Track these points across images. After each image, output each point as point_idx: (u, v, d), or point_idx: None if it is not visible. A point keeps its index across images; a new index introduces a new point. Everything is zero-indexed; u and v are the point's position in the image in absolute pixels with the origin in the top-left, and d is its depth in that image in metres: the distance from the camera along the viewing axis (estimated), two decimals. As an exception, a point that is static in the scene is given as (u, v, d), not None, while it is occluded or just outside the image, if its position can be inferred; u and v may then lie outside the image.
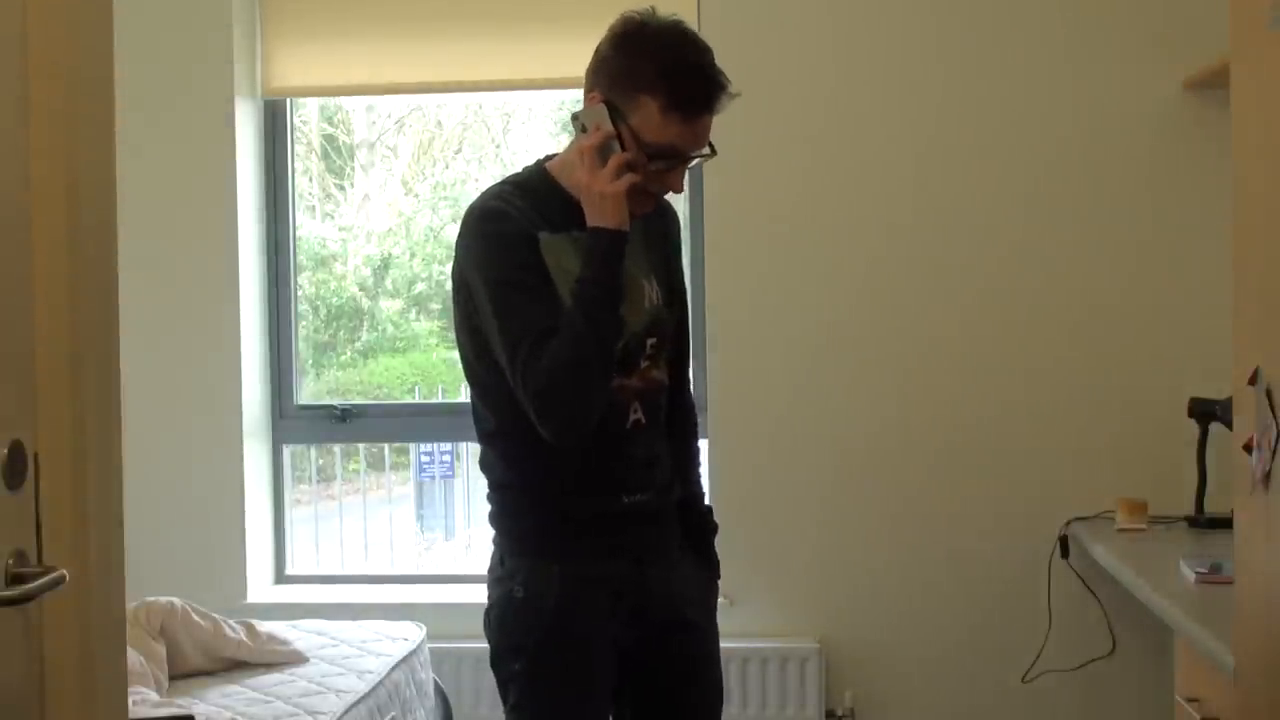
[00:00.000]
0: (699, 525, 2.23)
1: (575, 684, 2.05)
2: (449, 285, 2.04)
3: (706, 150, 2.01)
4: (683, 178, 2.02)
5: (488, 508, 2.15)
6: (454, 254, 2.06)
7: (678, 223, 2.27)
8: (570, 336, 1.91)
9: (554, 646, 2.03)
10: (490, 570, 2.12)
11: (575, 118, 2.02)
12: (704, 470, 3.60)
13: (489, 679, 3.46)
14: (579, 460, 2.02)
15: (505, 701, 2.10)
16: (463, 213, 2.07)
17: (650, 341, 2.08)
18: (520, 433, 2.01)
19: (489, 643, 2.10)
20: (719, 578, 2.28)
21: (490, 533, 2.16)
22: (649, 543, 2.11)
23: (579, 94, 2.06)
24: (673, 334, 2.17)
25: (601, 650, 2.06)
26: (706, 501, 2.30)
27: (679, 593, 2.15)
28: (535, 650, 2.04)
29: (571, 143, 2.09)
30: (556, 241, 1.98)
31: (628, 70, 1.94)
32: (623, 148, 1.94)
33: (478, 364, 2.05)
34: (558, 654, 2.03)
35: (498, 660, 2.09)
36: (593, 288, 1.93)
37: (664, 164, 1.97)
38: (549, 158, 2.13)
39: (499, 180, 2.13)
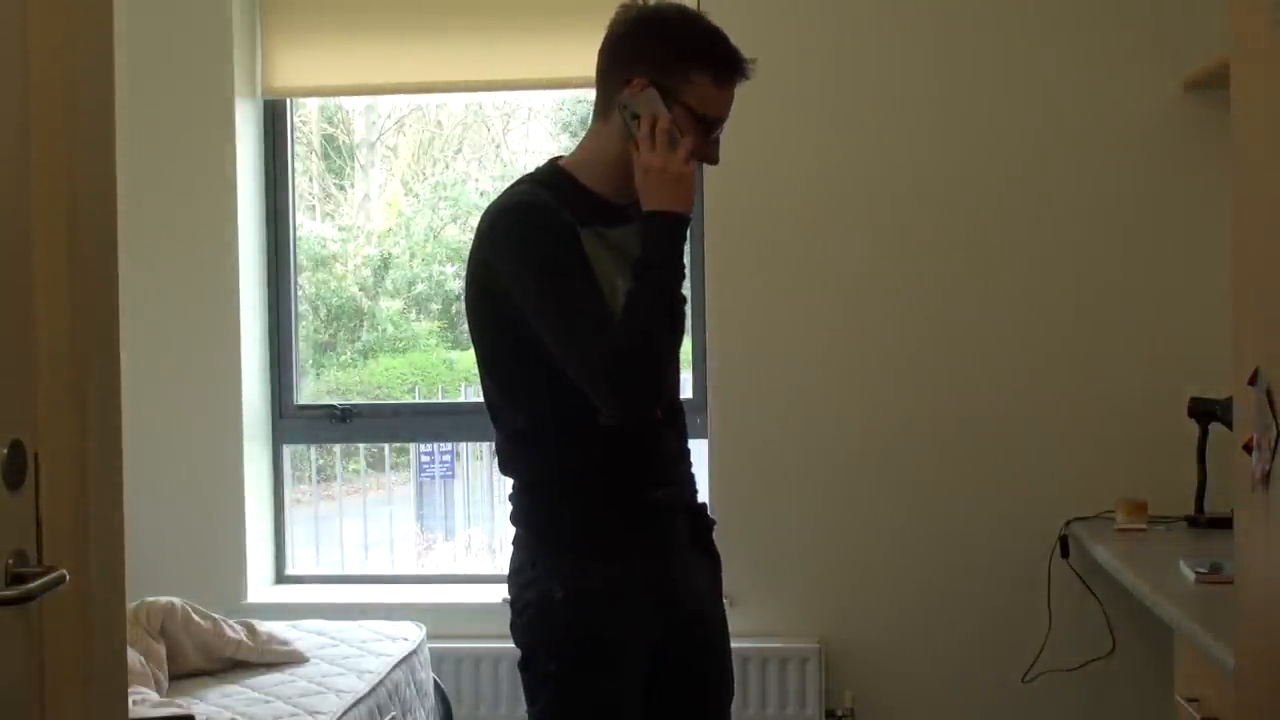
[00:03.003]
0: (697, 522, 2.24)
1: (614, 682, 2.04)
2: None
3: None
4: (718, 150, 2.07)
5: (509, 508, 2.14)
6: (477, 255, 2.03)
7: None
8: (644, 314, 1.92)
9: (594, 645, 2.02)
10: (518, 572, 2.08)
11: (624, 107, 2.00)
12: (703, 470, 3.63)
13: (489, 679, 3.53)
14: (603, 458, 2.03)
15: (533, 703, 2.08)
16: (472, 215, 2.07)
17: None
18: (557, 429, 2.02)
19: (520, 645, 2.08)
20: (721, 570, 2.29)
21: (499, 535, 2.15)
22: (673, 536, 2.13)
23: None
24: None
25: (638, 646, 2.05)
26: (701, 499, 2.30)
27: (696, 585, 2.17)
28: (575, 650, 2.02)
29: (587, 136, 2.10)
30: (585, 235, 1.99)
31: (672, 50, 1.98)
32: (680, 129, 1.97)
33: (509, 362, 2.04)
34: (598, 653, 2.02)
35: (530, 662, 2.07)
36: (661, 270, 1.95)
37: (709, 133, 2.02)
38: (558, 159, 2.13)
39: (515, 181, 2.13)
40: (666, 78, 1.97)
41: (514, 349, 2.01)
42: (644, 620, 2.05)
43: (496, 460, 2.19)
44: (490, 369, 2.08)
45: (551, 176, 2.08)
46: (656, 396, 1.98)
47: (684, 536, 2.17)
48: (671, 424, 2.12)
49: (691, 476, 2.24)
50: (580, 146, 2.12)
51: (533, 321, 1.96)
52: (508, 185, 2.13)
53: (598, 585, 2.02)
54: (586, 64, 2.10)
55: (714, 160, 2.06)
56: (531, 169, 2.16)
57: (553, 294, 1.94)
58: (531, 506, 2.09)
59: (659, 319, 1.93)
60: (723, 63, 1.99)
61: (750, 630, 3.49)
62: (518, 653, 2.09)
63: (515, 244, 1.98)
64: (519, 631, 2.08)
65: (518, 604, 2.08)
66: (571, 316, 1.93)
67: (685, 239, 2.00)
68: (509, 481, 2.15)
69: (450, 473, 4.38)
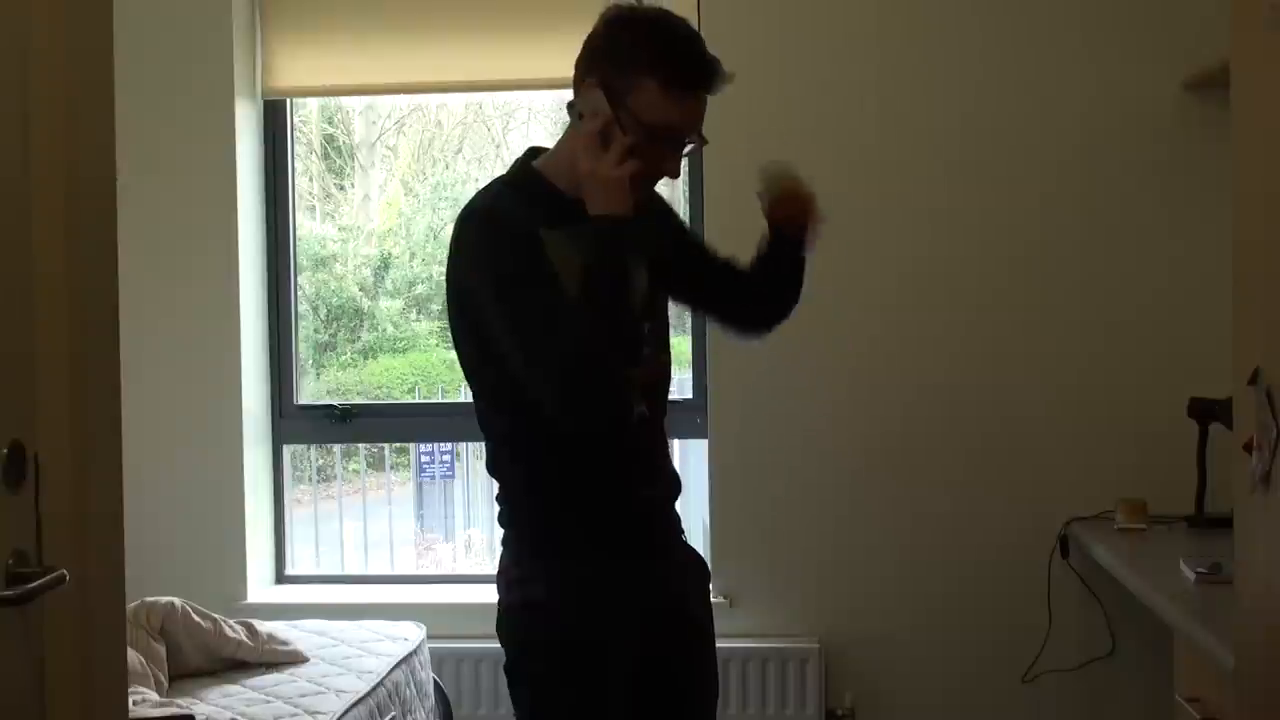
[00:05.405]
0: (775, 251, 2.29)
1: (595, 683, 2.03)
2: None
3: (698, 137, 2.01)
4: (679, 164, 2.02)
5: (496, 509, 2.14)
6: (449, 260, 2.03)
7: (661, 198, 2.26)
8: (583, 329, 1.88)
9: (575, 648, 2.02)
10: (503, 573, 2.09)
11: (571, 106, 2.00)
12: (703, 470, 3.63)
13: (489, 679, 3.53)
14: (590, 458, 2.02)
15: (518, 704, 2.08)
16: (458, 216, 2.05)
17: (646, 326, 2.07)
18: (531, 434, 2.01)
19: (504, 646, 2.08)
20: (708, 571, 2.27)
21: (499, 535, 2.14)
22: (659, 537, 2.13)
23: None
24: (701, 263, 2.30)
25: (618, 648, 2.05)
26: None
27: (683, 586, 2.17)
28: (557, 652, 2.02)
29: (562, 136, 2.08)
30: (556, 236, 1.97)
31: (625, 53, 1.94)
32: (623, 131, 1.93)
33: (484, 368, 2.03)
34: (577, 655, 2.02)
35: (515, 664, 2.07)
36: (600, 277, 1.90)
37: (665, 145, 1.96)
38: (534, 153, 2.11)
39: (489, 181, 2.13)
40: (614, 80, 1.93)
41: (489, 354, 1.99)
42: (624, 622, 2.04)
43: (485, 462, 2.19)
44: (470, 374, 2.08)
45: (521, 177, 2.07)
46: (606, 406, 1.93)
47: (673, 534, 2.17)
48: (656, 421, 2.11)
49: (675, 476, 2.23)
50: (556, 146, 2.10)
51: (494, 331, 1.95)
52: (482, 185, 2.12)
53: (576, 588, 2.02)
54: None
55: (673, 175, 2.01)
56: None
57: (504, 303, 1.92)
58: (514, 509, 2.09)
59: (598, 327, 1.88)
60: (673, 71, 1.92)
61: (750, 630, 3.49)
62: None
63: (473, 253, 1.97)
64: (503, 633, 2.09)
65: (501, 605, 2.09)
66: (522, 329, 1.90)
67: (625, 242, 1.92)
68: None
69: (450, 473, 4.39)
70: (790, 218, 2.26)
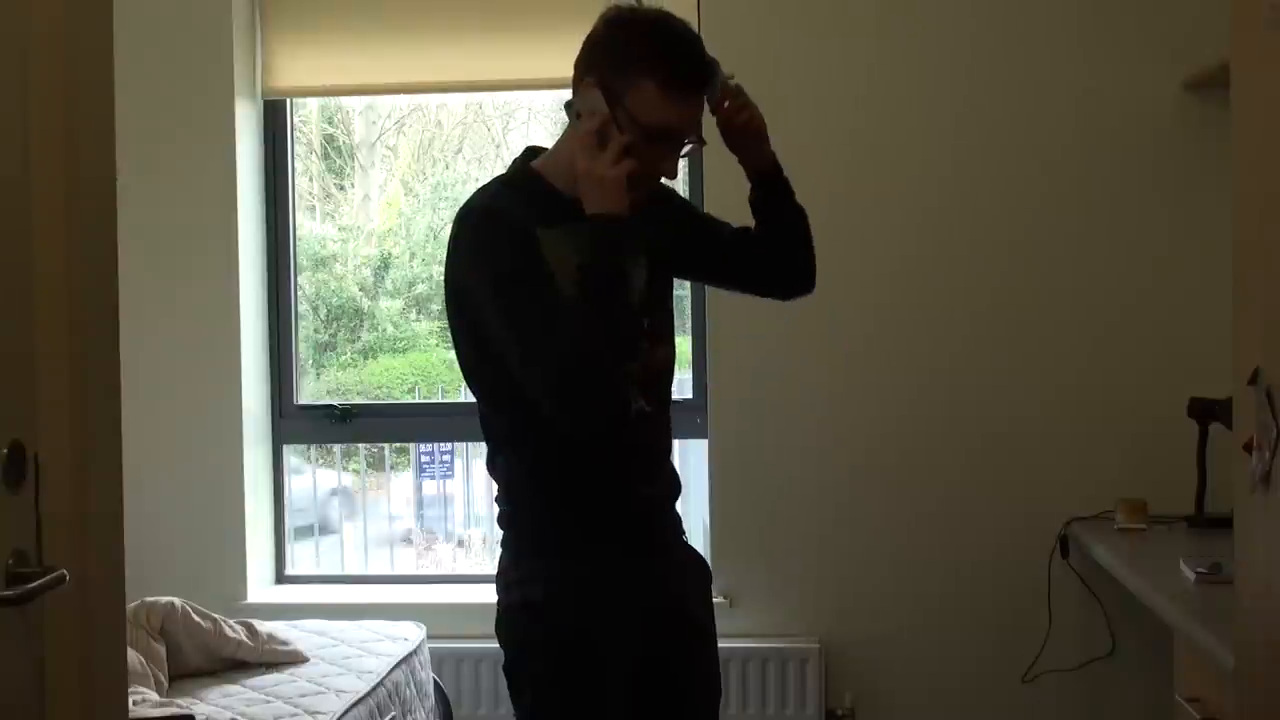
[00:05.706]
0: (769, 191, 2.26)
1: (594, 683, 2.03)
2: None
3: (696, 138, 2.01)
4: (676, 164, 2.02)
5: (496, 510, 2.13)
6: (447, 260, 2.02)
7: (662, 185, 2.26)
8: (580, 328, 1.87)
9: (575, 647, 2.02)
10: (503, 574, 2.09)
11: (569, 105, 2.00)
12: (703, 470, 3.63)
13: (489, 679, 3.53)
14: (590, 457, 2.02)
15: (518, 704, 2.08)
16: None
17: (646, 321, 2.06)
18: (530, 433, 2.01)
19: (504, 646, 2.08)
20: (709, 571, 2.26)
21: (499, 536, 2.14)
22: (658, 536, 2.13)
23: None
24: (712, 241, 2.27)
25: (618, 647, 2.05)
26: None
27: (683, 586, 2.16)
28: (556, 652, 2.02)
29: (561, 136, 2.09)
30: (553, 235, 1.96)
31: (625, 52, 1.94)
32: (620, 131, 1.92)
33: (482, 367, 2.03)
34: (577, 655, 2.02)
35: (514, 664, 2.07)
36: (596, 277, 1.89)
37: (663, 145, 1.96)
38: (533, 153, 2.11)
39: (487, 180, 2.13)
40: (612, 80, 1.93)
41: (487, 354, 1.99)
42: (624, 621, 2.04)
43: (485, 462, 2.18)
44: (469, 373, 2.08)
45: (519, 176, 2.07)
46: (604, 405, 1.92)
47: (674, 533, 2.17)
48: (658, 415, 2.10)
49: (675, 476, 2.23)
50: (554, 146, 2.10)
51: (492, 329, 1.94)
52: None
53: (575, 587, 2.02)
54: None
55: (670, 175, 2.01)
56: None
57: (500, 303, 1.92)
58: (513, 509, 2.09)
59: (596, 326, 1.87)
60: (670, 73, 1.92)
61: (750, 630, 3.49)
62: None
63: (470, 252, 1.97)
64: (502, 633, 2.08)
65: (500, 605, 2.08)
66: (520, 327, 1.90)
67: (621, 242, 1.91)
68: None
69: (450, 473, 4.38)
70: (742, 130, 2.20)
